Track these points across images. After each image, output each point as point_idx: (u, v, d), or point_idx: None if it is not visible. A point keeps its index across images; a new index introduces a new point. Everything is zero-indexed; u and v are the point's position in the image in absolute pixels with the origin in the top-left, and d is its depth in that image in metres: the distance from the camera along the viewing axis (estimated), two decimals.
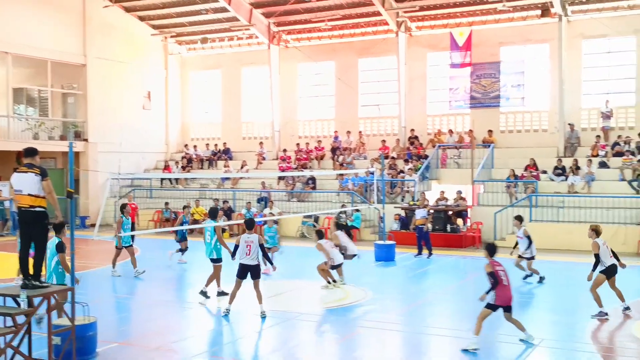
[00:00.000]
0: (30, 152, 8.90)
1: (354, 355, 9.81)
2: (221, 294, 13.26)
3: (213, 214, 14.41)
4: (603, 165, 22.95)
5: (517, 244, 15.34)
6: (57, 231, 10.47)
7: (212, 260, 13.41)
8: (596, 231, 11.89)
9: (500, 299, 9.67)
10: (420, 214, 19.40)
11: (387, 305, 12.99)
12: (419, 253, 19.08)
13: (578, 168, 22.58)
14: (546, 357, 9.58)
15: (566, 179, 22.49)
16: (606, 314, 11.47)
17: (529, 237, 15.06)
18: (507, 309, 9.82)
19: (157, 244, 21.75)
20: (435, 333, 10.91)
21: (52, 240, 10.24)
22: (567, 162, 23.18)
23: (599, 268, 11.62)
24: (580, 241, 19.89)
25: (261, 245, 11.60)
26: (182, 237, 18.18)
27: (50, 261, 10.41)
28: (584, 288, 14.46)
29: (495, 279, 9.64)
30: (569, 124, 24.84)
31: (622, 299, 11.69)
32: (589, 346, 9.87)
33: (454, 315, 12.38)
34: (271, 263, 12.37)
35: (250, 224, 11.82)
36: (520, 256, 15.16)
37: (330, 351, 10.00)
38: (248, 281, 11.58)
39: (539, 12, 25.41)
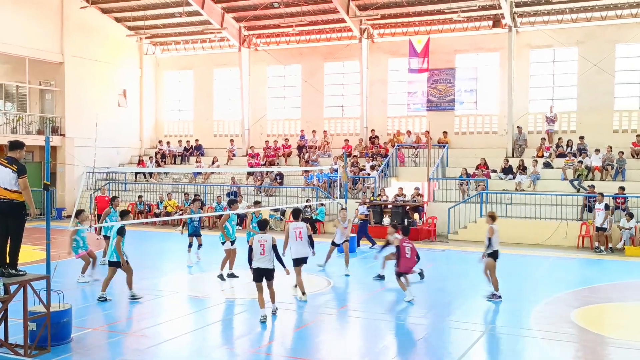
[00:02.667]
0: (15, 145, 8.67)
1: (317, 340, 9.83)
2: (231, 275, 13.98)
3: (230, 204, 14.74)
4: (547, 165, 23.41)
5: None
6: (122, 216, 12.49)
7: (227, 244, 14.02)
8: (492, 217, 12.33)
9: (401, 268, 12.16)
10: (361, 210, 20.14)
11: (348, 294, 13.05)
12: (373, 244, 19.30)
13: (525, 168, 22.99)
14: (494, 342, 9.74)
15: (514, 178, 22.89)
16: (500, 297, 11.95)
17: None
18: (402, 275, 12.20)
19: (131, 234, 21.37)
20: (392, 319, 11.00)
21: (117, 225, 11.86)
22: (515, 162, 23.58)
23: (487, 251, 12.09)
24: (526, 235, 20.42)
25: (274, 247, 10.38)
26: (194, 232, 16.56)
27: (112, 241, 11.84)
28: (530, 278, 14.81)
29: (399, 253, 12.16)
30: (517, 127, 25.27)
31: (496, 287, 12.06)
32: (533, 332, 10.07)
33: (410, 304, 12.48)
34: (283, 266, 10.60)
35: (263, 224, 10.74)
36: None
37: (295, 336, 10.00)
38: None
39: (490, 23, 25.83)
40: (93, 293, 12.41)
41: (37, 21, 27.27)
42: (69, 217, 23.98)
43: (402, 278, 12.19)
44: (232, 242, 14.06)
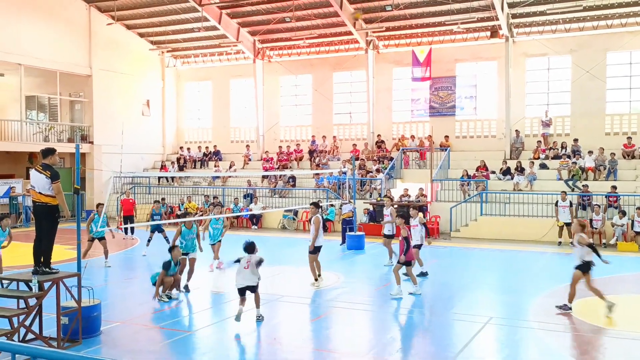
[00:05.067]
0: (47, 152, 8.75)
1: (327, 332, 9.82)
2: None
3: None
4: (543, 166, 23.26)
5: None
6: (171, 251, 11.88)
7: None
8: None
9: (407, 256, 11.73)
10: (347, 208, 20.03)
11: (357, 288, 13.02)
12: (343, 242, 19.11)
13: (522, 169, 22.85)
14: (495, 332, 9.68)
15: (512, 179, 22.75)
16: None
17: (424, 225, 13.96)
18: (408, 264, 11.87)
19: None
20: (399, 313, 10.96)
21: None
22: (512, 164, 23.44)
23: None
24: (524, 232, 20.29)
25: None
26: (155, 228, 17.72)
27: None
28: (527, 272, 14.72)
29: (408, 243, 11.64)
30: (515, 131, 25.13)
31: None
32: (531, 323, 10.00)
33: (415, 297, 12.44)
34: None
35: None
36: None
37: (307, 328, 10.00)
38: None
39: (488, 33, 25.72)
40: (121, 289, 12.47)
41: (67, 38, 27.50)
42: None
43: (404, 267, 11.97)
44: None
